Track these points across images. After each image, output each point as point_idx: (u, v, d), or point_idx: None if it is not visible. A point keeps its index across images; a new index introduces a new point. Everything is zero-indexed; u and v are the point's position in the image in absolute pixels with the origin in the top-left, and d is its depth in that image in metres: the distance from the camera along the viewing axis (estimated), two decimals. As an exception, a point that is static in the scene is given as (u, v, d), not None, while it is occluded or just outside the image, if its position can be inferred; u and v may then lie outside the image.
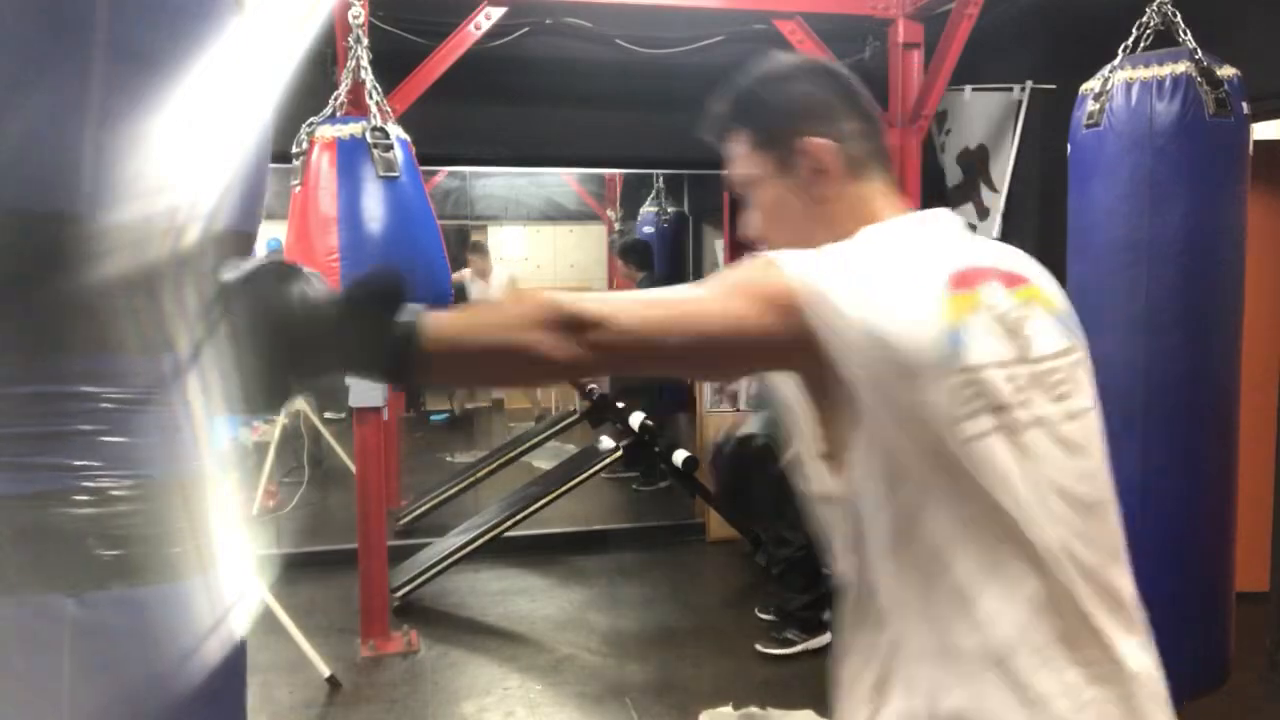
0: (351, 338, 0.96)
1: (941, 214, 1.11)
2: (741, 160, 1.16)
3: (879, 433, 0.95)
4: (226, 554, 1.20)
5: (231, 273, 1.00)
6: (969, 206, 4.50)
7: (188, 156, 1.08)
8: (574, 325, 0.93)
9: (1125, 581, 1.02)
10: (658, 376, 1.29)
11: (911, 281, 0.98)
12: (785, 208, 1.14)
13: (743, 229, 1.20)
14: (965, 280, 0.99)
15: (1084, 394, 1.06)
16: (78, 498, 1.04)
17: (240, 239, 1.20)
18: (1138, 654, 1.00)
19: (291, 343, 0.96)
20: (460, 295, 7.26)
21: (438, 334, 0.96)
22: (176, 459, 1.12)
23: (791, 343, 0.94)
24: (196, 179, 1.09)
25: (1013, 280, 1.04)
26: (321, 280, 0.99)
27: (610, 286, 8.20)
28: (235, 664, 1.21)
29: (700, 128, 1.21)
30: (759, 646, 3.66)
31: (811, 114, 1.13)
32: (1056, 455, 0.99)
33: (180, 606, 1.12)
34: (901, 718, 0.96)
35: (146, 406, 1.08)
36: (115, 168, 1.03)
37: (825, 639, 3.65)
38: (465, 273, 7.43)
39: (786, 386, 1.07)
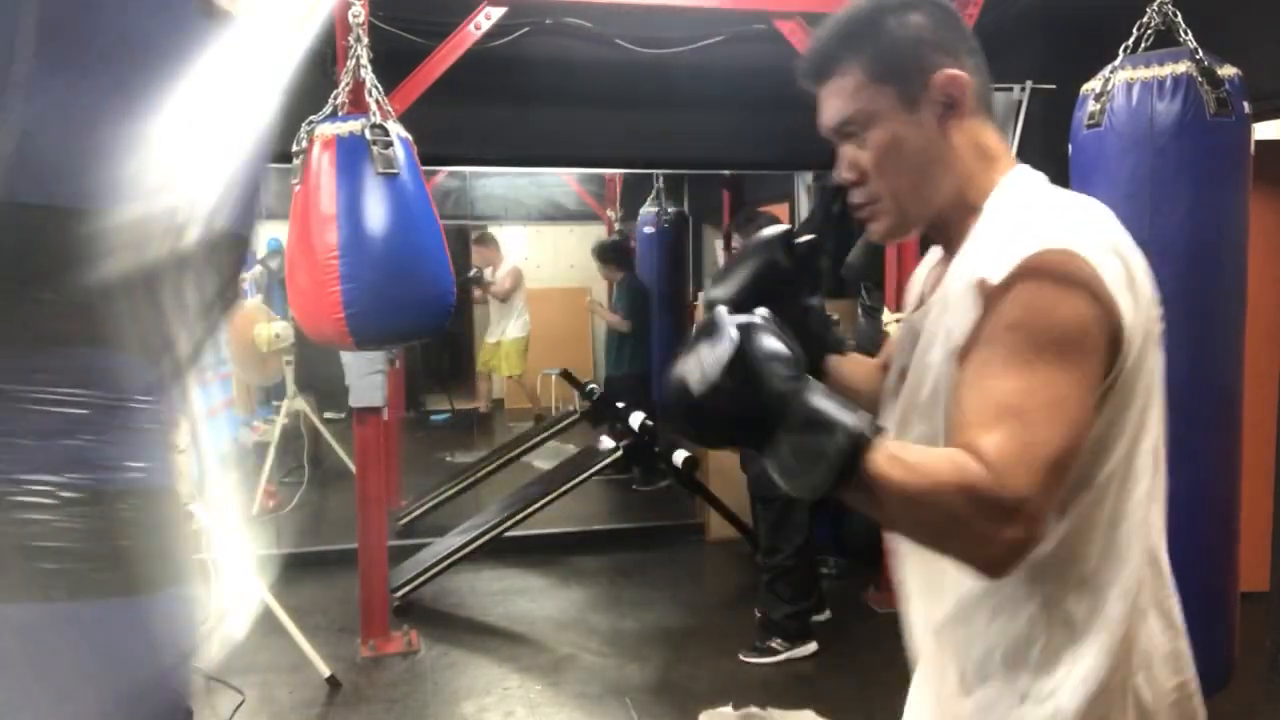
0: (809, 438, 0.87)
1: (1029, 170, 1.12)
2: (852, 95, 1.07)
3: (1120, 399, 0.99)
4: (209, 563, 1.17)
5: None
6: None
7: (188, 156, 1.07)
8: (1001, 514, 0.86)
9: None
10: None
11: (1139, 262, 1.02)
12: (906, 146, 1.07)
13: (842, 171, 1.12)
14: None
15: None
16: (44, 502, 1.01)
17: (238, 242, 1.19)
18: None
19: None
20: (477, 283, 7.37)
21: (881, 465, 0.87)
22: (158, 463, 1.10)
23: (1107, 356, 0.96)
24: (196, 179, 1.08)
25: None
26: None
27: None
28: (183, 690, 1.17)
29: (798, 67, 1.13)
30: (741, 655, 3.65)
31: (939, 44, 1.07)
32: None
33: (158, 617, 1.10)
34: (1089, 674, 1.00)
35: (133, 409, 1.07)
36: (113, 167, 1.03)
37: (811, 648, 3.65)
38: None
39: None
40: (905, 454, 0.88)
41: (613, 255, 6.47)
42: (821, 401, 0.87)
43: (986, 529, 0.86)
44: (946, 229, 1.11)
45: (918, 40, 1.06)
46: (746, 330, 0.89)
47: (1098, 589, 1.02)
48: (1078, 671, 1.00)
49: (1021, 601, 1.02)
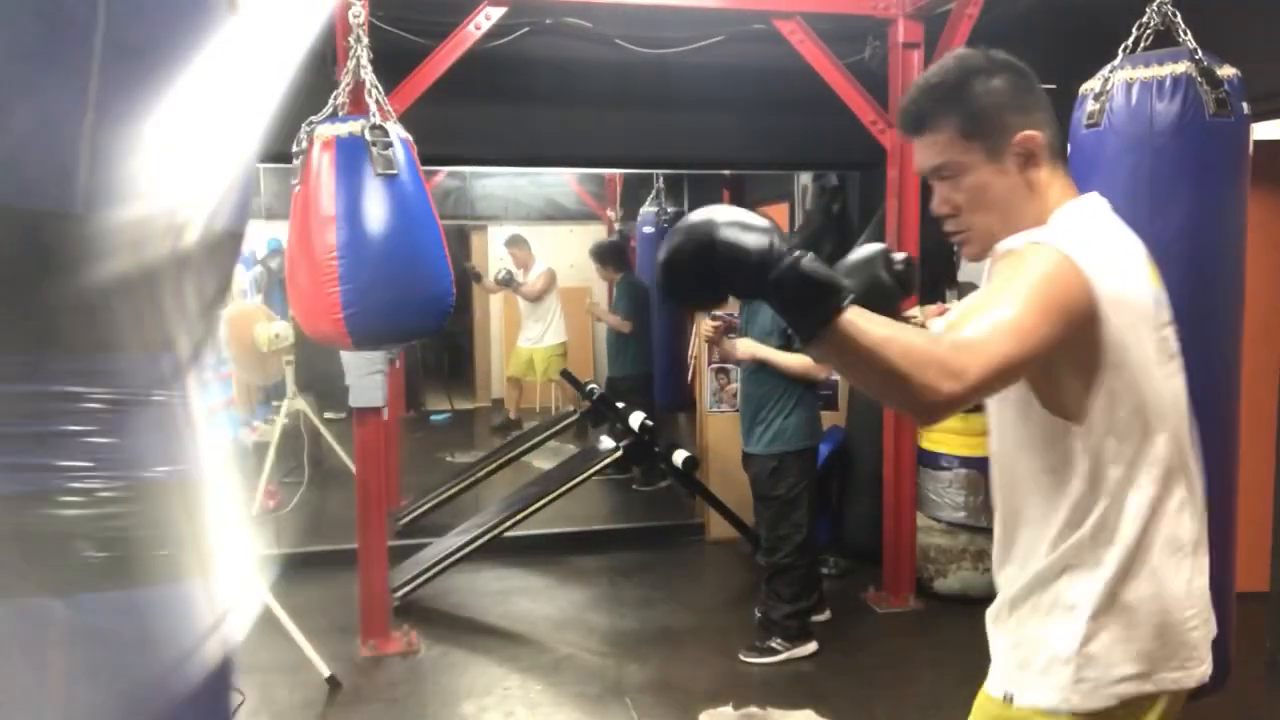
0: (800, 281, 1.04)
1: (1098, 197, 1.36)
2: (945, 148, 1.30)
3: (1111, 373, 1.22)
4: (222, 555, 1.19)
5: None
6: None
7: (186, 157, 1.07)
8: (948, 374, 1.08)
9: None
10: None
11: (1129, 253, 1.29)
12: (991, 190, 1.30)
13: (938, 206, 1.36)
14: (1148, 254, 1.31)
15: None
16: (65, 499, 1.02)
17: (235, 240, 1.19)
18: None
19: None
20: (508, 284, 7.20)
21: (855, 317, 1.06)
22: (170, 460, 1.11)
23: (1085, 318, 1.18)
24: (194, 179, 1.08)
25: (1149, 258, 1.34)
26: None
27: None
28: (226, 670, 1.19)
29: (900, 121, 1.35)
30: (741, 655, 3.64)
31: (1019, 106, 1.30)
32: (1184, 400, 1.33)
33: (174, 609, 1.11)
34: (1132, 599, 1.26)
35: (139, 407, 1.07)
36: (112, 167, 1.03)
37: (811, 647, 3.64)
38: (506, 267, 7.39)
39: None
40: (877, 318, 1.09)
41: (610, 256, 6.46)
42: (816, 264, 1.05)
43: (934, 382, 1.07)
44: None
45: (1000, 105, 1.29)
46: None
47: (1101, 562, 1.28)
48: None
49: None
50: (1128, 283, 1.25)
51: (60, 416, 1.03)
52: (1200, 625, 1.31)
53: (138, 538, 1.07)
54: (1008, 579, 1.37)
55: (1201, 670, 1.30)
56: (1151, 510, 1.26)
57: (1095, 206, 1.34)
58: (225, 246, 1.14)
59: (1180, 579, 1.28)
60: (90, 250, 1.01)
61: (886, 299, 1.41)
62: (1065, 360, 1.22)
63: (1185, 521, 1.30)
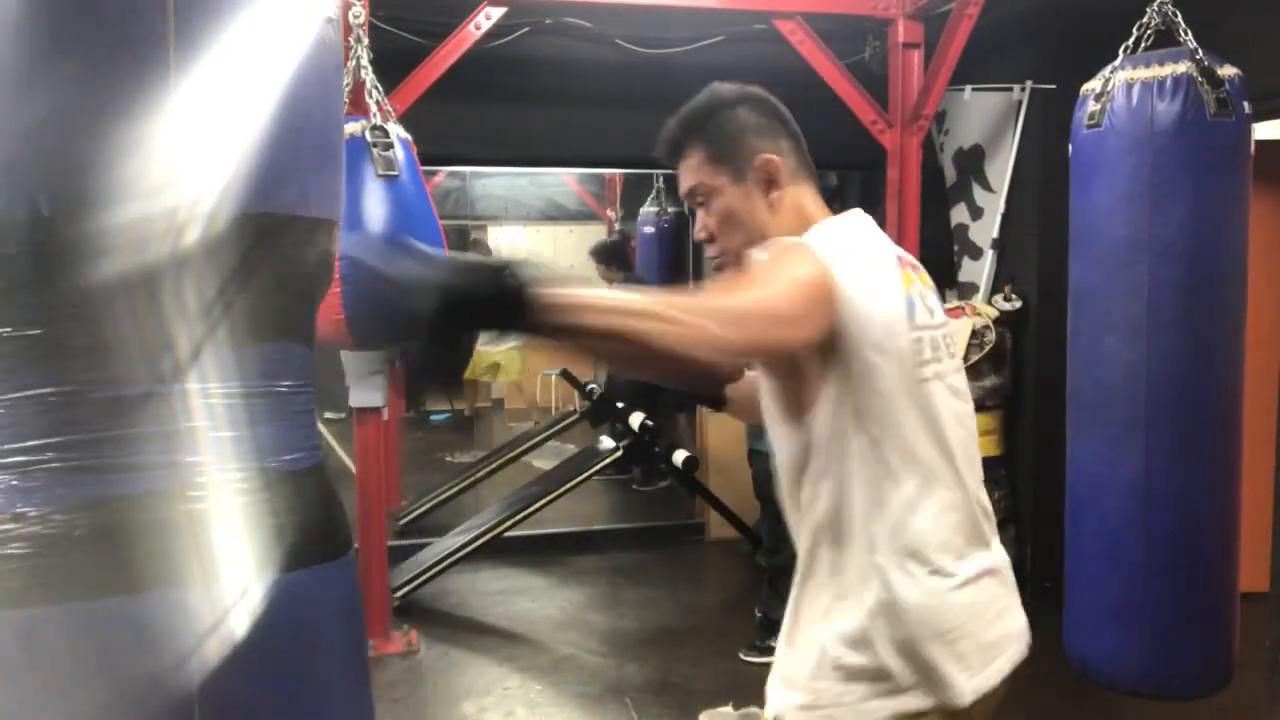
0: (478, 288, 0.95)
1: (860, 212, 1.39)
2: (697, 173, 1.37)
3: (857, 381, 1.22)
4: (348, 541, 1.24)
5: (348, 255, 1.02)
6: (962, 206, 4.50)
7: (198, 151, 1.07)
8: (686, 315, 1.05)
9: (986, 498, 1.37)
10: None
11: (878, 260, 1.30)
12: (739, 211, 1.36)
13: (699, 232, 1.41)
14: (902, 261, 1.34)
15: (958, 354, 1.40)
16: (192, 493, 1.05)
17: (325, 225, 1.23)
18: (1001, 549, 1.39)
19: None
20: None
21: (552, 288, 0.97)
22: (291, 450, 1.14)
23: (824, 319, 1.18)
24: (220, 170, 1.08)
25: (914, 265, 1.38)
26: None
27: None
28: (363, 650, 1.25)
29: (658, 150, 1.42)
30: (741, 655, 3.64)
31: (759, 132, 1.36)
32: (953, 401, 1.32)
33: (311, 593, 1.15)
34: (870, 604, 1.25)
35: (261, 399, 1.10)
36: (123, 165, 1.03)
37: None
38: None
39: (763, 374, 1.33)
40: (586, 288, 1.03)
41: (610, 256, 6.44)
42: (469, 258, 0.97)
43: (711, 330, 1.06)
44: None
45: (742, 130, 1.36)
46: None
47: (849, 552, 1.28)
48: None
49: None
50: (872, 285, 1.25)
51: (181, 415, 1.05)
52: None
53: (280, 524, 1.11)
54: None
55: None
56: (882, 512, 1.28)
57: (851, 221, 1.37)
58: (315, 233, 1.17)
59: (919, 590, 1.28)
60: (241, 255, 1.04)
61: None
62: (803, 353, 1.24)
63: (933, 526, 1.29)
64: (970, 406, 1.38)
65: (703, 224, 1.41)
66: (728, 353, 1.21)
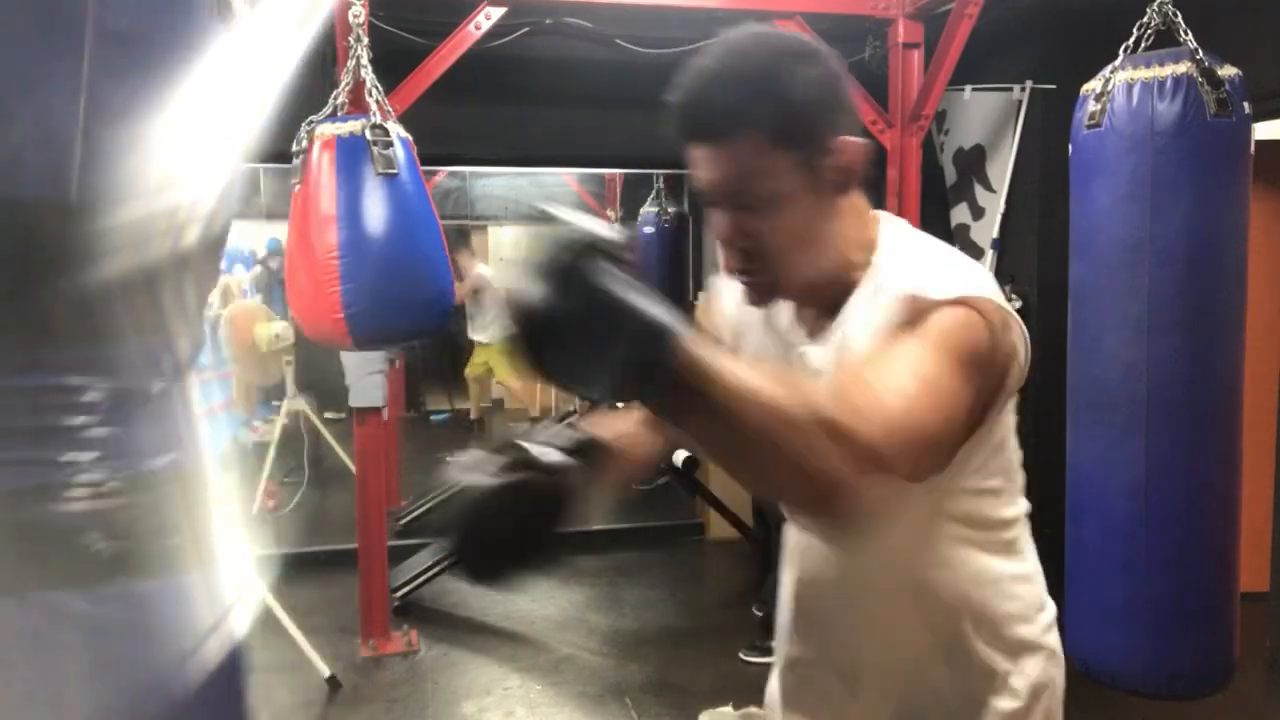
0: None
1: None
2: (744, 160, 0.94)
3: (997, 426, 1.06)
4: (224, 549, 1.20)
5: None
6: (963, 206, 4.51)
7: (188, 153, 1.07)
8: (843, 440, 0.77)
9: None
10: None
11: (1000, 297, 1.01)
12: (801, 217, 0.97)
13: (727, 247, 1.00)
14: None
15: None
16: (73, 492, 1.03)
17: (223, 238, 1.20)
18: None
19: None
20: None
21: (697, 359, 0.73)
22: (173, 451, 1.11)
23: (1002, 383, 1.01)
24: (197, 176, 1.08)
25: None
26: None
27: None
28: (238, 664, 1.20)
29: (682, 121, 0.99)
30: (742, 654, 3.64)
31: (839, 105, 0.97)
32: None
33: (182, 601, 1.12)
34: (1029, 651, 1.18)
35: (143, 399, 1.07)
36: (111, 163, 1.03)
37: None
38: (481, 269, 7.48)
39: None
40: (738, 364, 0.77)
41: None
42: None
43: (834, 458, 0.77)
44: (819, 289, 1.05)
45: (819, 103, 0.95)
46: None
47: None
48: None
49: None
50: (1021, 338, 1.05)
51: (63, 410, 1.03)
52: None
53: (143, 530, 1.07)
54: None
55: None
56: None
57: (915, 232, 1.08)
58: (221, 243, 1.14)
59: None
60: (89, 246, 1.01)
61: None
62: None
63: None
64: None
65: (741, 233, 0.98)
66: (883, 473, 0.82)
